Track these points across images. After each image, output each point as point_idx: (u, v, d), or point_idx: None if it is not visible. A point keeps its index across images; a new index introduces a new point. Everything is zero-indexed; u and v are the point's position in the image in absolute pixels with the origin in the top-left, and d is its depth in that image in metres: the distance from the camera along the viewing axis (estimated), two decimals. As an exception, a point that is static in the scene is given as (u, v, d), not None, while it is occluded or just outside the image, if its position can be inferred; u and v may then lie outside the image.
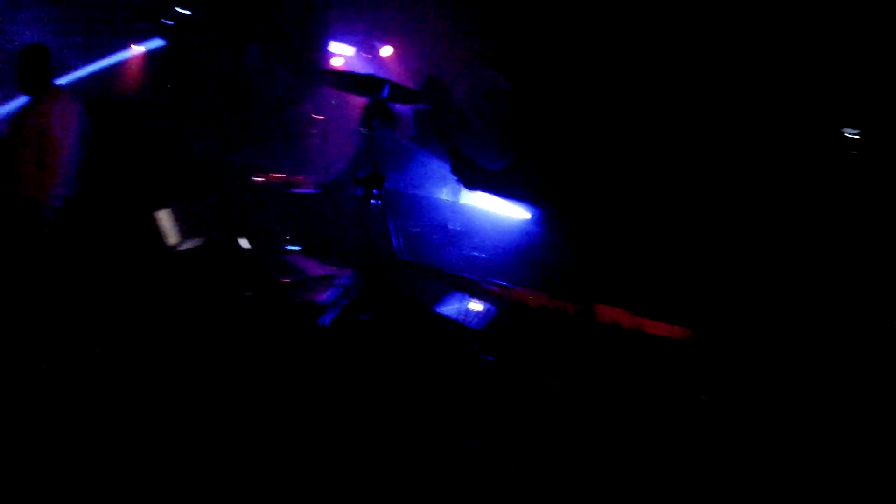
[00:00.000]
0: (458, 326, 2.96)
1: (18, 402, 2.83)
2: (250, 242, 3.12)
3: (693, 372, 3.00)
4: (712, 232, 3.33)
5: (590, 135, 4.16)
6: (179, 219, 4.39)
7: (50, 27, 5.32)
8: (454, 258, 3.79)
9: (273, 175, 5.31)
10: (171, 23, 7.40)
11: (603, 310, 2.64)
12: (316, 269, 3.41)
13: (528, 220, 4.40)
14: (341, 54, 6.66)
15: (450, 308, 3.04)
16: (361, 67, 6.75)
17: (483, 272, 3.18)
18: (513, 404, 2.84)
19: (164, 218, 4.42)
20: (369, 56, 6.78)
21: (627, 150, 3.80)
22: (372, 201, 2.63)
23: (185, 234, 4.31)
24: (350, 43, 6.83)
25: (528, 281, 2.89)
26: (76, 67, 4.72)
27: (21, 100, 4.31)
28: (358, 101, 6.66)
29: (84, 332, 3.60)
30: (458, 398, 2.91)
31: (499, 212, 4.46)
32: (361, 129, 2.89)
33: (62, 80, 4.30)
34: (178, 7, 7.44)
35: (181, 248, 4.31)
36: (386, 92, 2.96)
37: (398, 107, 4.48)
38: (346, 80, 3.04)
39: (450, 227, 4.01)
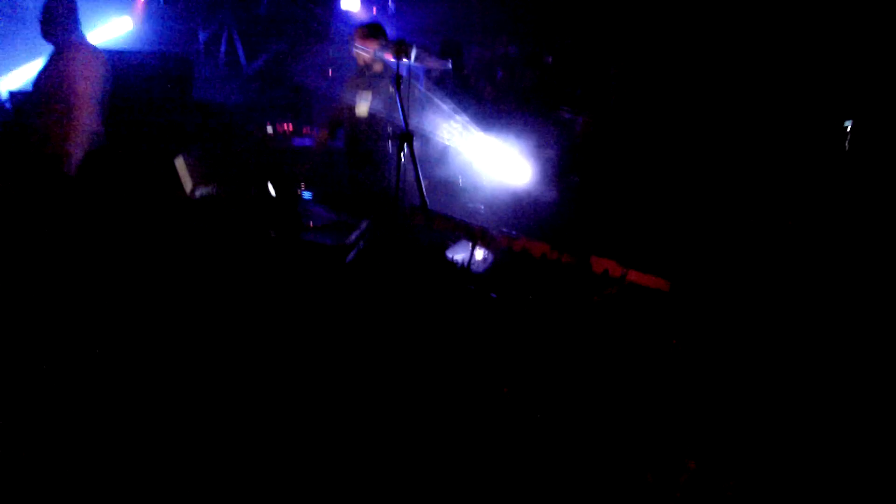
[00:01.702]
0: (464, 270, 3.30)
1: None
2: (274, 189, 3.40)
3: (668, 319, 3.42)
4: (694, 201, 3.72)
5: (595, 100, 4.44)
6: (194, 166, 4.58)
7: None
8: (458, 210, 4.10)
9: (282, 126, 5.51)
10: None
11: (597, 260, 3.00)
12: (333, 215, 3.71)
13: (527, 181, 4.72)
14: (350, 9, 6.81)
15: (458, 254, 3.37)
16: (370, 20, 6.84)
17: (487, 224, 3.52)
18: (512, 334, 3.24)
19: (181, 165, 4.62)
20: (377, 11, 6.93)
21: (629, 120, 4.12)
22: (403, 155, 2.92)
23: (201, 180, 4.53)
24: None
25: (530, 234, 3.24)
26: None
27: (46, 54, 4.38)
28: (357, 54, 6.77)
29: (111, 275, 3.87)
30: (462, 330, 3.30)
31: (501, 172, 4.76)
32: (391, 89, 3.13)
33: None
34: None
35: (197, 195, 4.54)
36: (413, 55, 3.19)
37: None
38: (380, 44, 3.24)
39: (455, 181, 4.30)
